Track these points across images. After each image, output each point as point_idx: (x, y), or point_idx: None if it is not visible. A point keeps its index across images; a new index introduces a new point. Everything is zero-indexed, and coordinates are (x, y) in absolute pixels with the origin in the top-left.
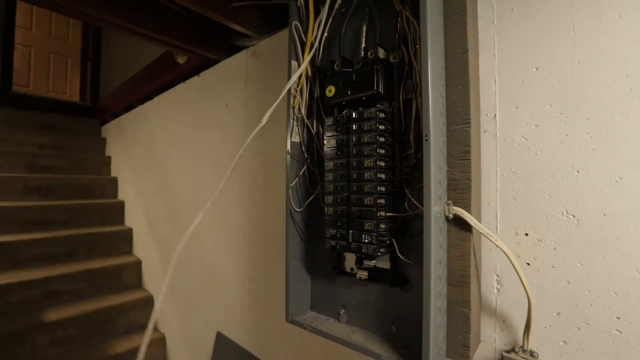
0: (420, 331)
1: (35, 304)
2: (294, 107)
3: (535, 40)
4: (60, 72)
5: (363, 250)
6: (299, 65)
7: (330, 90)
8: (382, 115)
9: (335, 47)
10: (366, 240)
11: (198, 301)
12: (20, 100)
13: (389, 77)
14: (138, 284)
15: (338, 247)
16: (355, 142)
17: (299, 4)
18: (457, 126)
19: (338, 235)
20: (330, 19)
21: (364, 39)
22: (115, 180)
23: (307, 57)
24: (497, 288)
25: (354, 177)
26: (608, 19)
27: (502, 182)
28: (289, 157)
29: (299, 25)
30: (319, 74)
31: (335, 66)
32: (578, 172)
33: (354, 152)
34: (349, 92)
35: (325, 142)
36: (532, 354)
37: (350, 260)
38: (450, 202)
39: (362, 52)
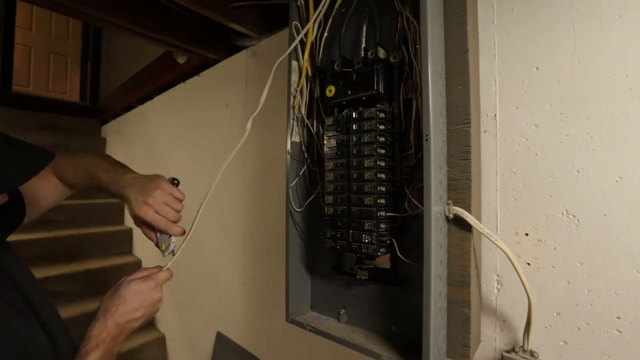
0: (420, 331)
1: None
2: (294, 107)
3: (536, 40)
4: (60, 72)
5: (363, 250)
6: (299, 65)
7: (331, 90)
8: (382, 115)
9: (335, 47)
10: (366, 240)
11: (198, 301)
12: (20, 100)
13: (389, 77)
14: None
15: (338, 247)
16: (355, 142)
17: (299, 4)
18: (457, 126)
19: (338, 235)
20: (330, 19)
21: (364, 39)
22: None
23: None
24: (497, 288)
25: (354, 177)
26: (608, 19)
27: (502, 182)
28: (289, 157)
29: (299, 25)
30: (319, 74)
31: (336, 66)
32: (578, 172)
33: (354, 152)
34: (349, 92)
35: (325, 142)
36: (532, 353)
37: (350, 260)
38: (450, 202)
39: (362, 52)
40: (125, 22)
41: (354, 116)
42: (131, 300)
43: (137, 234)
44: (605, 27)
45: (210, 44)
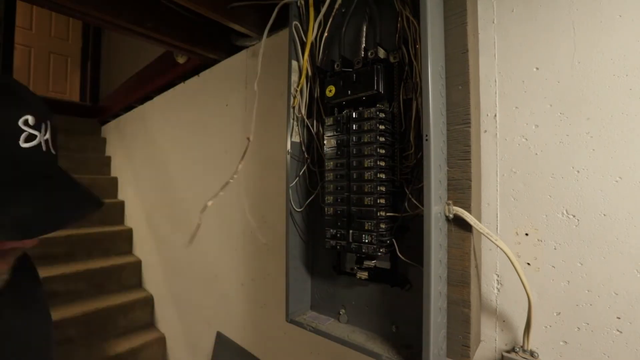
0: (420, 331)
1: None
2: (294, 107)
3: (536, 40)
4: (60, 72)
5: (363, 250)
6: (299, 65)
7: (331, 90)
8: (382, 115)
9: (335, 47)
10: (366, 240)
11: (198, 301)
12: None
13: (389, 77)
14: (138, 284)
15: (338, 247)
16: (355, 142)
17: (299, 4)
18: (457, 126)
19: (338, 235)
20: (330, 19)
21: (364, 39)
22: (115, 180)
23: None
24: (497, 288)
25: (354, 177)
26: (608, 19)
27: (502, 182)
28: (289, 157)
29: (299, 25)
30: (319, 74)
31: (336, 66)
32: (578, 172)
33: (354, 152)
34: (349, 92)
35: (325, 142)
36: (532, 354)
37: (350, 260)
38: (450, 202)
39: (362, 52)
40: (125, 22)
41: (354, 116)
42: None
43: (137, 234)
44: (605, 27)
45: (210, 44)
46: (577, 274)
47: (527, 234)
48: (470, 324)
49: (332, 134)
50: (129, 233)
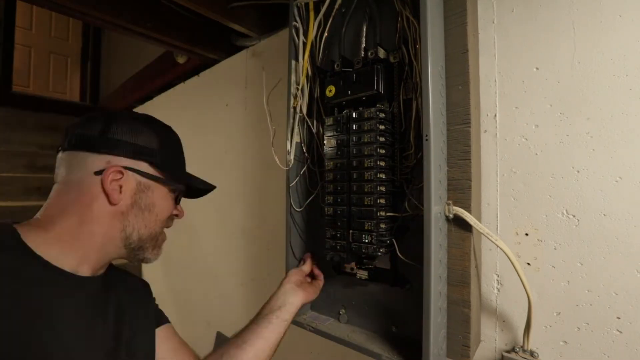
0: (420, 331)
1: None
2: (294, 107)
3: (536, 40)
4: (60, 72)
5: (363, 250)
6: (299, 66)
7: (331, 90)
8: (382, 115)
9: (335, 47)
10: (366, 240)
11: (198, 301)
12: (21, 100)
13: (389, 77)
14: None
15: (338, 247)
16: (355, 142)
17: (299, 4)
18: (457, 126)
19: (338, 235)
20: (330, 19)
21: (364, 39)
22: None
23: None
24: (497, 288)
25: (354, 177)
26: (608, 19)
27: (502, 182)
28: (289, 157)
29: (299, 25)
30: (319, 74)
31: (336, 66)
32: (578, 172)
33: (354, 152)
34: (349, 92)
35: (325, 142)
36: (532, 353)
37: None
38: (450, 202)
39: (362, 52)
40: (125, 22)
41: (354, 116)
42: None
43: None
44: (605, 27)
45: (210, 44)
46: (577, 274)
47: (527, 234)
48: (470, 324)
49: (332, 134)
50: None
